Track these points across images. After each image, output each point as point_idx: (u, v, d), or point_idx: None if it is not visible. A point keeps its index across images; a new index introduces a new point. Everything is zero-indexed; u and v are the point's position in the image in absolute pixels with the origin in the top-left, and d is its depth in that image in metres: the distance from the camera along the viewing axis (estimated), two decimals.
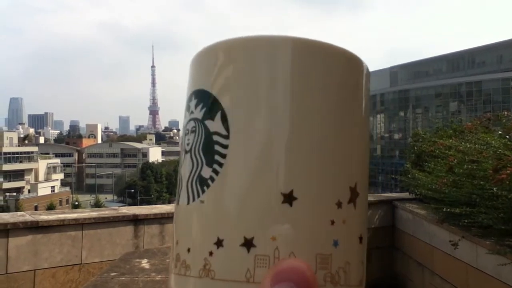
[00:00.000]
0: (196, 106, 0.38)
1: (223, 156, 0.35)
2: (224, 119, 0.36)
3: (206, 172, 0.35)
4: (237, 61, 0.37)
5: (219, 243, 0.34)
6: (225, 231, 0.34)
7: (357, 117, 0.38)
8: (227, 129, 0.35)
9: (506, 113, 4.15)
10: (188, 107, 0.39)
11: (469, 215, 3.39)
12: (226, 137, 0.35)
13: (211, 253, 0.34)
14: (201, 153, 0.36)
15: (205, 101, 0.37)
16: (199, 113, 0.37)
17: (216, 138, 0.36)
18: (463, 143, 3.94)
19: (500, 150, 3.20)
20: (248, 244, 0.33)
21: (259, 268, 0.33)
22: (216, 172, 0.35)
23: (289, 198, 0.34)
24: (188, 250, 0.35)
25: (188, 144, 0.38)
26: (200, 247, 0.35)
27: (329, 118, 0.36)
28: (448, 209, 3.69)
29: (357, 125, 0.38)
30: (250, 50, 0.37)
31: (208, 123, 0.36)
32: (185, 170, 0.38)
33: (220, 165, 0.35)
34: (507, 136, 3.52)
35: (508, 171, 2.77)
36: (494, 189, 3.06)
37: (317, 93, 0.36)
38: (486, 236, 3.36)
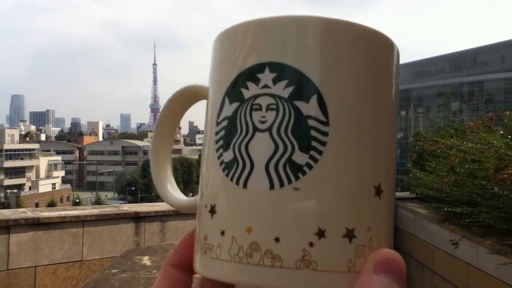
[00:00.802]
0: (275, 81, 0.34)
1: (323, 143, 0.34)
2: (322, 104, 0.34)
3: (300, 157, 0.33)
4: (340, 41, 0.35)
5: (320, 233, 0.33)
6: (327, 222, 0.33)
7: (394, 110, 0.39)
8: (325, 115, 0.34)
9: (508, 113, 4.14)
10: (253, 78, 0.35)
11: (470, 215, 3.39)
12: (325, 123, 0.34)
13: (311, 244, 0.33)
14: (290, 136, 0.34)
15: (292, 78, 0.34)
16: (281, 91, 0.34)
17: (312, 123, 0.34)
18: (464, 142, 3.94)
19: (501, 150, 3.20)
20: (349, 234, 0.33)
21: (359, 257, 0.33)
22: (315, 160, 0.33)
23: (378, 191, 0.35)
24: (277, 239, 0.33)
25: (263, 122, 0.34)
26: (297, 237, 0.33)
27: (394, 112, 0.39)
28: (449, 209, 3.69)
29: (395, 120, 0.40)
30: (354, 32, 0.36)
31: (299, 104, 0.34)
32: (257, 150, 0.34)
33: (320, 152, 0.33)
34: (509, 136, 3.51)
35: (510, 171, 2.77)
36: (496, 188, 3.06)
37: (393, 89, 0.38)
38: (487, 235, 3.36)
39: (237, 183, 0.35)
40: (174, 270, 0.40)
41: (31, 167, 59.13)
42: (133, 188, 60.08)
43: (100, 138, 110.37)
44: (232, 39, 0.38)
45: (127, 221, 4.43)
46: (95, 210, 4.45)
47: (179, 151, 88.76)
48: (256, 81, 0.35)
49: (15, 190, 52.16)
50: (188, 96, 0.45)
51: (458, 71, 55.76)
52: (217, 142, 0.37)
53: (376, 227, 0.35)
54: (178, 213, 4.66)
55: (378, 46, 0.37)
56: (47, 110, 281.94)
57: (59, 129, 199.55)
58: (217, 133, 0.37)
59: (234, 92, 0.36)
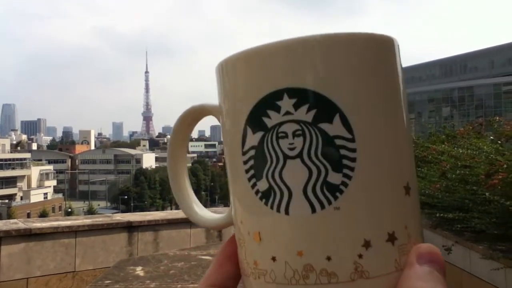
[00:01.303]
0: (296, 106, 0.35)
1: (353, 160, 0.35)
2: (345, 122, 0.35)
3: (335, 177, 0.35)
4: (349, 54, 0.36)
5: (367, 244, 0.35)
6: (370, 232, 0.35)
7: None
8: (350, 131, 0.35)
9: (497, 118, 4.18)
10: (273, 106, 0.36)
11: (462, 220, 3.41)
12: (351, 140, 0.35)
13: (360, 256, 0.34)
14: (321, 159, 0.35)
15: (312, 101, 0.35)
16: (304, 115, 0.35)
17: (339, 142, 0.35)
18: (455, 148, 3.96)
19: (492, 156, 3.23)
20: (391, 238, 0.35)
21: (403, 256, 0.36)
22: (348, 177, 0.35)
23: (407, 190, 0.37)
24: (328, 258, 0.34)
25: (292, 149, 0.35)
26: (346, 253, 0.35)
27: (406, 109, 0.40)
28: (441, 214, 3.70)
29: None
30: (361, 42, 0.37)
31: (324, 126, 0.35)
32: (292, 177, 0.35)
33: (351, 169, 0.35)
34: (499, 141, 3.55)
35: (500, 176, 2.79)
36: (487, 194, 3.08)
37: (402, 87, 0.39)
38: (479, 241, 3.38)
39: (278, 210, 0.36)
40: (228, 262, 0.42)
41: (23, 176, 58.65)
42: (126, 197, 59.78)
43: (92, 147, 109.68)
44: (242, 66, 0.38)
45: (120, 231, 4.40)
46: (88, 220, 4.42)
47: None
48: (277, 108, 0.35)
49: (6, 201, 51.59)
50: (195, 116, 0.46)
51: (448, 76, 56.27)
52: (247, 171, 0.37)
53: (410, 223, 0.37)
54: (171, 222, 4.64)
55: (385, 48, 0.38)
56: (39, 119, 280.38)
57: (50, 138, 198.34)
58: (245, 163, 0.37)
59: (255, 121, 0.36)
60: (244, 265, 0.39)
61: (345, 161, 0.35)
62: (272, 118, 0.36)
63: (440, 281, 0.34)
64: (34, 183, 59.89)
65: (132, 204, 57.63)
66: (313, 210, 0.35)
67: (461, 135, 4.47)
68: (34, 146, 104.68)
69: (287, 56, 0.35)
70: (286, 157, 0.35)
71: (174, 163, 0.48)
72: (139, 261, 3.32)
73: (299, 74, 0.35)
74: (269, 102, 0.36)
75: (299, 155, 0.35)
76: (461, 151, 3.72)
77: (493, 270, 2.99)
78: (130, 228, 4.45)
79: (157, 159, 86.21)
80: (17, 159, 59.75)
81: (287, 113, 0.35)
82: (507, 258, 2.89)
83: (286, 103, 0.35)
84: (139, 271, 3.03)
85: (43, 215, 41.57)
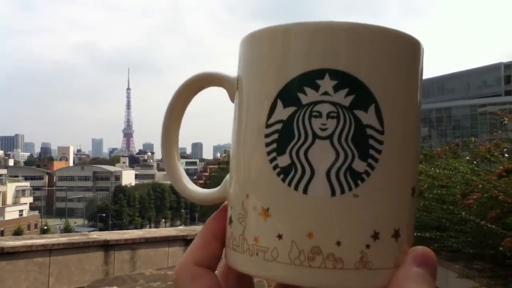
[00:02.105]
0: (336, 88, 0.35)
1: (379, 151, 0.35)
2: (379, 113, 0.35)
3: (360, 165, 0.35)
4: (392, 50, 0.37)
5: (375, 236, 0.35)
6: (381, 225, 0.36)
7: None
8: (381, 124, 0.35)
9: (473, 139, 4.27)
10: (312, 84, 0.35)
11: (439, 239, 3.45)
12: (381, 132, 0.35)
13: (368, 246, 0.35)
14: (350, 144, 0.35)
15: (352, 87, 0.35)
16: (342, 99, 0.35)
17: (370, 131, 0.35)
18: (432, 168, 4.03)
19: (467, 176, 3.29)
20: (396, 234, 0.36)
21: (401, 254, 0.37)
22: (372, 167, 0.35)
23: (413, 191, 0.39)
24: (338, 243, 0.35)
25: (324, 130, 0.35)
26: (356, 241, 0.35)
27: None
28: (419, 234, 3.74)
29: None
30: (401, 40, 0.38)
31: (358, 113, 0.35)
32: (320, 157, 0.35)
33: (376, 160, 0.35)
34: (474, 162, 3.62)
35: (475, 196, 2.84)
36: (463, 213, 3.12)
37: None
38: (456, 260, 3.41)
39: (296, 188, 0.35)
40: (214, 241, 0.41)
41: None
42: (104, 214, 58.70)
43: (71, 163, 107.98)
44: (283, 39, 0.37)
45: (96, 250, 4.31)
46: (63, 239, 4.32)
47: (152, 176, 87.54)
48: (315, 87, 0.35)
49: None
50: (202, 83, 0.45)
51: (426, 97, 57.43)
52: (268, 144, 0.37)
53: (410, 224, 0.39)
54: (149, 241, 4.57)
55: (419, 52, 0.39)
56: (16, 135, 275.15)
57: (28, 154, 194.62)
58: (268, 135, 0.37)
59: (288, 95, 0.36)
60: (237, 241, 0.38)
61: (371, 151, 0.35)
62: (308, 95, 0.35)
63: (432, 285, 0.35)
64: (9, 200, 58.41)
65: (110, 222, 56.61)
66: (333, 193, 0.35)
67: (438, 155, 4.55)
68: (11, 162, 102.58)
69: (336, 37, 0.36)
70: (315, 136, 0.35)
71: (168, 133, 0.46)
72: (115, 281, 3.25)
73: (346, 58, 0.36)
74: (309, 79, 0.35)
75: (330, 137, 0.35)
76: (438, 171, 3.77)
77: None
78: (106, 246, 4.37)
79: (137, 176, 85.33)
80: None
81: (326, 93, 0.35)
82: (482, 277, 2.93)
83: (327, 83, 0.35)
84: None
85: (17, 232, 40.46)
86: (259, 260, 0.36)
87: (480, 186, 2.95)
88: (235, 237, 0.39)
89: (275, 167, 0.36)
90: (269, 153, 0.36)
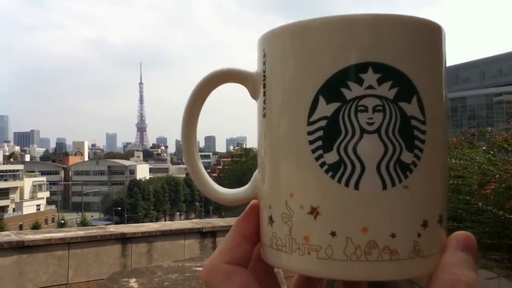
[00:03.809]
0: (380, 82, 0.35)
1: (423, 141, 0.36)
2: (420, 104, 0.36)
3: (407, 157, 0.35)
4: (428, 40, 0.38)
5: (425, 224, 0.36)
6: (429, 213, 0.37)
7: None
8: (423, 114, 0.36)
9: (489, 128, 4.22)
10: (355, 78, 0.35)
11: (456, 230, 3.42)
12: (423, 122, 0.36)
13: (419, 235, 0.36)
14: (397, 137, 0.35)
15: (395, 79, 0.35)
16: (387, 92, 0.35)
17: (414, 122, 0.36)
18: (448, 158, 3.99)
19: (484, 166, 3.26)
20: (440, 220, 0.38)
21: (444, 238, 0.38)
22: (418, 158, 0.36)
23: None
24: (393, 235, 0.35)
25: (371, 124, 0.35)
26: (409, 231, 0.36)
27: None
28: None
29: None
30: (436, 36, 0.38)
31: (403, 105, 0.35)
32: (369, 151, 0.35)
33: (421, 150, 0.36)
34: (491, 152, 3.58)
35: (492, 186, 2.82)
36: (480, 204, 3.10)
37: None
38: (477, 257, 3.39)
39: (347, 185, 0.35)
40: (244, 242, 0.41)
41: (15, 188, 58.13)
42: (120, 208, 59.32)
43: (86, 158, 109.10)
44: (321, 33, 0.37)
45: (113, 243, 4.37)
46: (81, 232, 4.39)
47: (166, 170, 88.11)
48: (359, 81, 0.35)
49: None
50: (221, 79, 0.44)
51: None
52: (312, 142, 0.36)
53: (446, 209, 0.39)
54: (165, 234, 4.62)
55: (443, 37, 0.39)
56: (32, 130, 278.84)
57: (44, 149, 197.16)
58: (311, 133, 0.36)
59: (331, 91, 0.36)
60: (283, 241, 0.38)
61: (416, 142, 0.36)
62: (353, 90, 0.35)
63: (475, 269, 0.36)
64: (26, 195, 59.36)
65: (125, 215, 57.19)
66: (384, 186, 0.35)
67: (454, 145, 4.51)
68: (27, 158, 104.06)
69: (375, 29, 0.36)
70: (363, 131, 0.35)
71: (188, 130, 0.45)
72: (133, 273, 3.29)
73: (388, 51, 0.35)
74: (352, 73, 0.35)
75: (377, 131, 0.35)
76: (454, 161, 3.74)
77: (487, 279, 3.01)
78: (123, 239, 4.42)
79: (151, 170, 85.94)
80: (9, 171, 59.28)
81: (370, 87, 0.35)
82: (500, 267, 2.91)
83: (371, 77, 0.35)
84: (133, 283, 3.01)
85: (35, 227, 41.13)
86: (312, 259, 0.36)
87: (497, 176, 2.93)
88: (280, 237, 0.38)
89: (322, 165, 0.36)
90: (314, 151, 0.36)
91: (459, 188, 3.51)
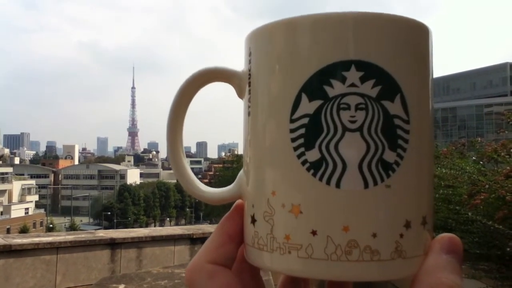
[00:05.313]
0: (363, 80, 0.35)
1: (406, 141, 0.36)
2: (404, 103, 0.35)
3: (390, 156, 0.35)
4: (412, 39, 0.37)
5: (407, 225, 0.36)
6: (412, 213, 0.36)
7: None
8: (407, 113, 0.36)
9: (479, 139, 4.26)
10: (338, 76, 0.35)
11: None
12: (407, 122, 0.36)
13: (401, 235, 0.35)
14: (380, 136, 0.35)
15: (378, 77, 0.35)
16: (369, 90, 0.35)
17: (397, 121, 0.35)
18: (439, 168, 4.02)
19: (474, 176, 3.28)
20: (424, 222, 0.37)
21: (428, 240, 0.37)
22: (401, 157, 0.35)
23: (433, 179, 0.39)
24: (374, 235, 0.34)
25: (353, 122, 0.35)
26: (391, 231, 0.35)
27: None
28: None
29: None
30: (421, 35, 0.38)
31: (386, 104, 0.35)
32: (349, 150, 0.35)
33: (404, 150, 0.35)
34: (481, 162, 3.61)
35: (482, 196, 2.83)
36: (469, 213, 3.12)
37: None
38: (462, 260, 3.41)
39: (328, 183, 0.35)
40: (229, 243, 0.40)
41: (4, 191, 57.47)
42: (109, 213, 58.86)
43: (76, 162, 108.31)
44: (304, 31, 0.36)
45: (102, 248, 4.33)
46: (70, 237, 4.34)
47: (156, 175, 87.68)
48: (342, 79, 0.35)
49: None
50: (207, 78, 0.43)
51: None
52: (294, 140, 0.36)
53: (432, 210, 0.39)
54: (155, 239, 4.59)
55: (429, 37, 0.39)
56: (22, 133, 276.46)
57: (34, 152, 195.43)
58: (293, 131, 0.36)
59: (314, 89, 0.35)
60: (264, 240, 0.37)
61: (400, 141, 0.35)
62: (335, 88, 0.35)
63: (460, 273, 0.36)
64: (15, 198, 58.74)
65: (115, 220, 56.76)
66: (366, 185, 0.35)
67: (444, 155, 4.54)
68: (17, 161, 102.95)
69: (359, 28, 0.35)
70: (345, 129, 0.35)
71: (173, 129, 0.44)
72: (122, 278, 3.26)
73: (371, 49, 0.35)
74: (334, 71, 0.35)
75: (359, 129, 0.35)
76: (444, 171, 3.77)
77: None
78: (113, 245, 4.38)
79: (141, 175, 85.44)
80: None
81: (353, 85, 0.35)
82: (489, 277, 2.92)
83: (353, 75, 0.35)
84: None
85: (23, 230, 40.69)
86: (292, 258, 0.36)
87: (487, 186, 2.95)
88: (261, 236, 0.38)
89: (304, 162, 0.35)
90: (296, 149, 0.36)
91: (449, 197, 3.53)
